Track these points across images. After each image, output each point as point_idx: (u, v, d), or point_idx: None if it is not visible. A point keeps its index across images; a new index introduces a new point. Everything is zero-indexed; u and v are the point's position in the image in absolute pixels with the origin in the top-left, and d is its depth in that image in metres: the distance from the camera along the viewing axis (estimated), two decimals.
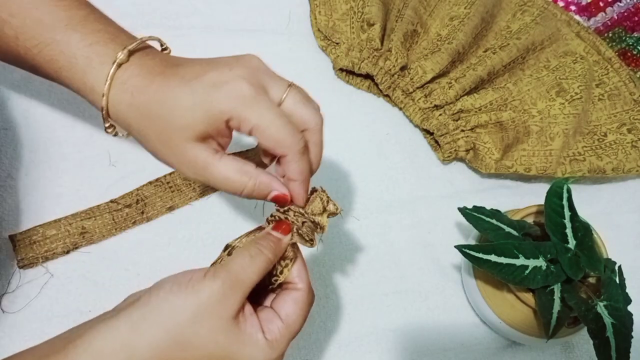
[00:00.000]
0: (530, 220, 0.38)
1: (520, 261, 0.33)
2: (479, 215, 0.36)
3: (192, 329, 0.23)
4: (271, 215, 0.29)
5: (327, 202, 0.29)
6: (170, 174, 0.42)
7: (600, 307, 0.33)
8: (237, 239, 0.28)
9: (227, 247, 0.28)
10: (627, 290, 0.34)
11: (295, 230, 0.27)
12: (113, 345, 0.23)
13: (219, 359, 0.24)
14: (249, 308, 0.25)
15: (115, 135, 0.30)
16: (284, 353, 0.26)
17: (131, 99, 0.26)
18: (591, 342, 0.32)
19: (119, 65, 0.27)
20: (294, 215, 0.28)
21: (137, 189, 0.41)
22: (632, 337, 0.32)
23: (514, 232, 0.35)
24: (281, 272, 0.27)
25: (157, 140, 0.26)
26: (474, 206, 0.37)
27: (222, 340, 0.24)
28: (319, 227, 0.28)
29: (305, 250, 0.41)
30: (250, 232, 0.28)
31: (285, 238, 0.27)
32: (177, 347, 0.23)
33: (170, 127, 0.26)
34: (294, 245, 0.28)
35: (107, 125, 0.28)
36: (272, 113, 0.26)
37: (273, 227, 0.27)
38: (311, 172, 0.29)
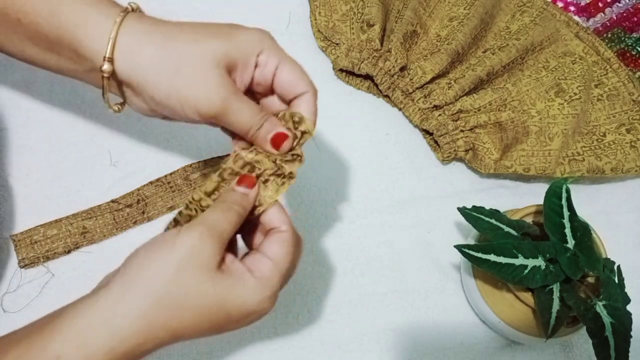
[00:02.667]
0: (529, 220, 0.38)
1: (520, 261, 0.33)
2: (478, 215, 0.36)
3: (176, 286, 0.22)
4: (236, 155, 0.28)
5: (299, 121, 0.28)
6: (171, 174, 0.42)
7: (599, 307, 0.33)
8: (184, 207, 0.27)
9: (178, 215, 0.27)
10: (626, 290, 0.34)
11: (264, 178, 0.27)
12: (93, 321, 0.22)
13: (211, 309, 0.23)
14: (230, 257, 0.25)
15: (113, 109, 0.28)
16: (277, 294, 0.25)
17: (145, 31, 0.25)
18: (590, 341, 0.33)
19: (127, 12, 0.26)
20: (262, 156, 0.27)
21: (138, 189, 0.41)
22: (631, 336, 0.32)
23: (513, 232, 0.36)
24: (260, 204, 0.27)
25: (174, 71, 0.25)
26: (473, 206, 0.37)
27: (210, 290, 0.23)
28: (297, 157, 0.28)
29: (304, 250, 0.41)
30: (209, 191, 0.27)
31: (251, 192, 0.26)
32: (165, 310, 0.22)
33: (197, 50, 0.25)
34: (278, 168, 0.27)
35: (105, 75, 0.25)
36: (289, 55, 0.27)
37: (237, 182, 0.26)
38: None
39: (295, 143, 0.28)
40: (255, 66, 0.27)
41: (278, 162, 0.28)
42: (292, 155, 0.28)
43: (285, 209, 0.27)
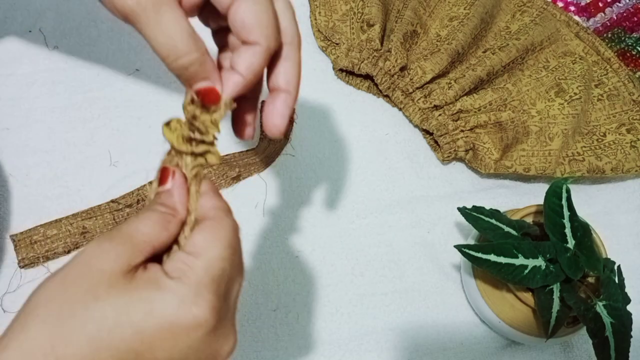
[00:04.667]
0: (529, 220, 0.38)
1: (520, 261, 0.33)
2: (479, 215, 0.36)
3: (63, 308, 0.17)
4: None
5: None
6: None
7: (600, 307, 0.33)
8: None
9: None
10: (626, 290, 0.34)
11: (179, 165, 0.22)
12: None
13: (116, 330, 0.17)
14: (150, 265, 0.19)
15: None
16: (210, 295, 0.19)
17: None
18: (590, 341, 0.33)
19: None
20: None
21: (138, 189, 0.41)
22: (631, 336, 0.32)
23: (513, 232, 0.35)
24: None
25: None
26: (474, 206, 0.37)
27: (106, 293, 0.17)
28: (208, 127, 0.22)
29: (304, 250, 0.41)
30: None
31: (167, 185, 0.21)
32: (51, 339, 0.17)
33: None
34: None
35: None
36: None
37: (158, 181, 0.22)
38: (289, 93, 0.24)
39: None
40: None
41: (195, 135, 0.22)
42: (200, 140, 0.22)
43: (218, 193, 0.22)
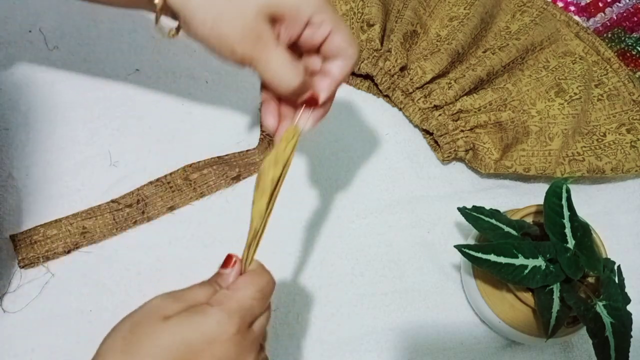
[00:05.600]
0: (529, 220, 0.38)
1: (520, 261, 0.33)
2: (479, 215, 0.36)
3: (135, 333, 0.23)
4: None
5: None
6: (171, 174, 0.42)
7: (600, 307, 0.33)
8: None
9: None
10: (626, 290, 0.34)
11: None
12: None
13: (173, 346, 0.23)
14: None
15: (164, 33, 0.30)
16: (237, 319, 0.24)
17: None
18: (590, 341, 0.33)
19: None
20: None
21: (138, 189, 0.41)
22: (631, 336, 0.32)
23: (513, 232, 0.35)
24: None
25: (218, 12, 0.26)
26: (474, 206, 0.37)
27: (167, 329, 0.23)
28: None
29: (304, 252, 0.41)
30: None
31: (227, 270, 0.27)
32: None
33: None
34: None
35: (158, 7, 0.27)
36: (342, 19, 0.28)
37: (222, 265, 0.28)
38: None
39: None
40: (307, 24, 0.27)
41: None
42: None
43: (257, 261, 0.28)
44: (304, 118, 0.29)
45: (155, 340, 0.23)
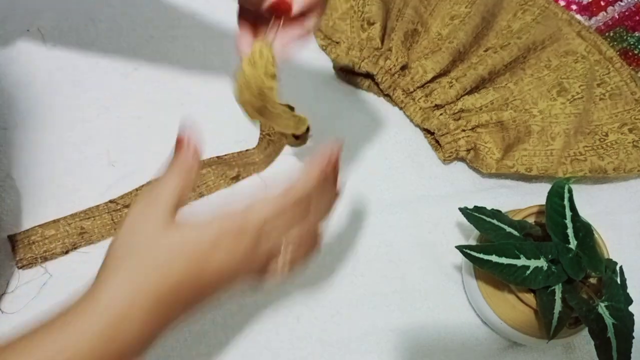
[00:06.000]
0: (531, 220, 0.37)
1: (521, 261, 0.33)
2: (480, 216, 0.36)
3: (127, 246, 0.24)
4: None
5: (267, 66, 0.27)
6: None
7: (602, 308, 0.33)
8: None
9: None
10: (628, 291, 0.34)
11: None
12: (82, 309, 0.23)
13: (172, 253, 0.23)
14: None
15: None
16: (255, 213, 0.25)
17: None
18: (592, 342, 0.32)
19: None
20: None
21: (137, 189, 0.41)
22: (633, 337, 0.32)
23: (515, 233, 0.35)
24: None
25: None
26: (475, 206, 0.37)
27: (161, 240, 0.24)
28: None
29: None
30: None
31: (184, 153, 0.27)
32: (129, 270, 0.23)
33: None
34: None
35: None
36: None
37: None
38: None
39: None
40: None
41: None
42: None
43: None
44: (273, 31, 0.26)
45: (157, 251, 0.23)
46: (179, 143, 0.27)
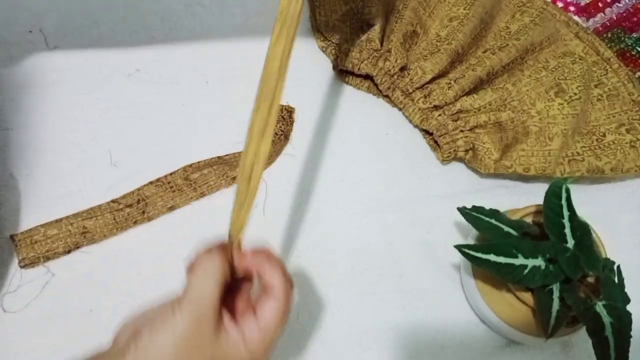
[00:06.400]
0: (529, 220, 0.38)
1: (519, 261, 0.33)
2: (478, 215, 0.36)
3: (181, 356, 0.25)
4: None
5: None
6: (171, 174, 0.42)
7: (599, 307, 0.33)
8: None
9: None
10: (625, 290, 0.34)
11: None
12: None
13: None
14: (227, 317, 0.27)
15: None
16: (267, 352, 0.27)
17: None
18: (590, 341, 0.33)
19: None
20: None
21: (138, 189, 0.41)
22: (630, 336, 0.32)
23: (513, 232, 0.35)
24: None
25: None
26: (473, 206, 0.37)
27: (209, 353, 0.25)
28: None
29: (304, 250, 0.41)
30: None
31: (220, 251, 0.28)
32: None
33: None
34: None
35: None
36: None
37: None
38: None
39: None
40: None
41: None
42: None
43: (283, 267, 0.28)
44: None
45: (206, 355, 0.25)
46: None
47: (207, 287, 0.26)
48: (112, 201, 0.40)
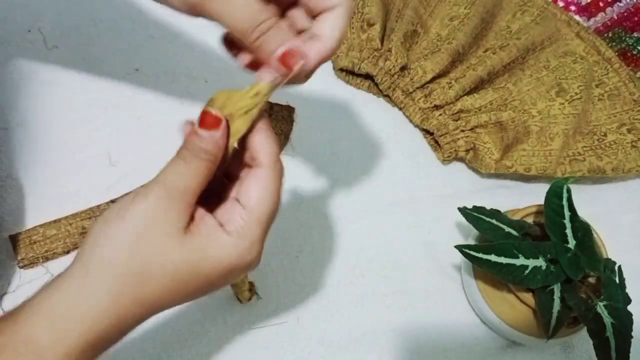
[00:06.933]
0: (530, 220, 0.38)
1: (520, 261, 0.33)
2: (479, 215, 0.36)
3: (136, 257, 0.21)
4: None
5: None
6: None
7: (600, 307, 0.33)
8: None
9: None
10: (626, 290, 0.34)
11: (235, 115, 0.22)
12: (60, 306, 0.21)
13: (182, 275, 0.21)
14: (200, 213, 0.22)
15: None
16: (259, 241, 0.22)
17: None
18: (591, 342, 0.32)
19: None
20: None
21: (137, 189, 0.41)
22: (631, 337, 0.32)
23: (514, 232, 0.35)
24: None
25: None
26: (474, 206, 0.37)
27: (177, 256, 0.21)
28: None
29: (304, 250, 0.41)
30: None
31: (217, 134, 0.22)
32: (130, 284, 0.21)
33: None
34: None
35: None
36: None
37: (199, 123, 0.22)
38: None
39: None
40: None
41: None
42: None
43: (273, 136, 0.23)
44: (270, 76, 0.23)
45: (165, 264, 0.21)
46: (206, 118, 0.22)
47: (188, 172, 0.21)
48: (111, 201, 0.40)
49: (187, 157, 0.22)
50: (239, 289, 0.36)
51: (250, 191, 0.22)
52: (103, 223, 0.22)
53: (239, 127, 0.23)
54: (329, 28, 0.23)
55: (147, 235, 0.21)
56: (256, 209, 0.22)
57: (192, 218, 0.22)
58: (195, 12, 0.23)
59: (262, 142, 0.23)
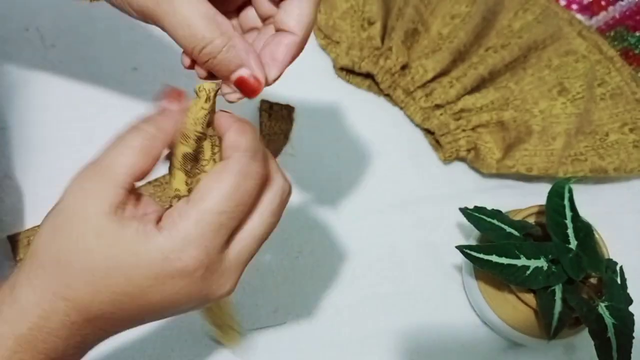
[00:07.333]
0: (531, 220, 0.37)
1: (522, 262, 0.33)
2: (480, 216, 0.36)
3: (58, 243, 0.18)
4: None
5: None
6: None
7: (602, 308, 0.33)
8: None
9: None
10: (628, 291, 0.34)
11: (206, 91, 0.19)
12: (5, 297, 0.19)
13: (106, 269, 0.18)
14: (144, 207, 0.20)
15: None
16: (209, 243, 0.18)
17: None
18: (593, 343, 0.32)
19: None
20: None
21: (136, 189, 0.41)
22: (633, 337, 0.32)
23: (515, 233, 0.35)
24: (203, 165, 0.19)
25: None
26: (475, 206, 0.37)
27: (94, 243, 0.18)
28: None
29: (304, 251, 0.41)
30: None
31: (172, 105, 0.20)
32: (53, 272, 0.18)
33: None
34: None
35: None
36: None
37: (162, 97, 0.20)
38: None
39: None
40: None
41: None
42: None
43: (245, 128, 0.20)
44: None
45: (86, 272, 0.18)
46: (170, 94, 0.20)
47: (121, 146, 0.19)
48: None
49: (127, 131, 0.20)
50: (218, 325, 0.30)
51: (201, 184, 0.19)
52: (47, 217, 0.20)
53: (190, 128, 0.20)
54: (296, 17, 0.20)
55: (64, 220, 0.18)
56: (199, 204, 0.18)
57: (125, 202, 0.19)
58: (153, 22, 0.21)
59: (228, 134, 0.20)
